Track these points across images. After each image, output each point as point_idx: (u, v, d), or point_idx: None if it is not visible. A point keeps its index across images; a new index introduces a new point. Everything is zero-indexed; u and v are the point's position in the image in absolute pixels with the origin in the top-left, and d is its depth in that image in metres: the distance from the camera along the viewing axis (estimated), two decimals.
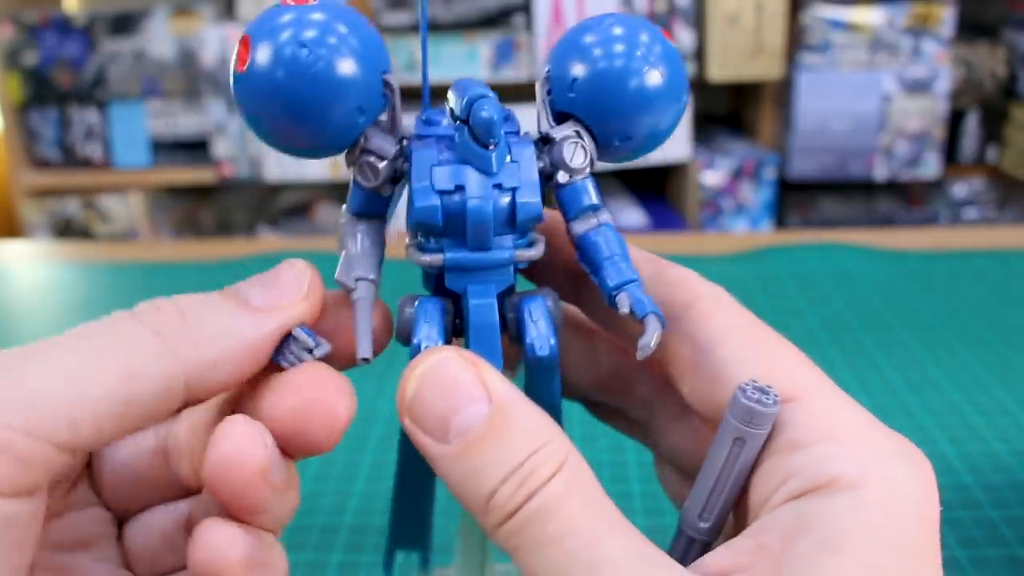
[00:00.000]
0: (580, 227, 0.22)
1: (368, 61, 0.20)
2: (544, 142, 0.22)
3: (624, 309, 0.21)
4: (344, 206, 0.22)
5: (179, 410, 0.20)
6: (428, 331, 0.21)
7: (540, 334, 0.21)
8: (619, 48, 0.21)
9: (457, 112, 0.21)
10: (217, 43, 1.48)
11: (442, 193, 0.20)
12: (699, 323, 0.22)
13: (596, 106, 0.22)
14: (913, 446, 0.20)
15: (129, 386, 0.19)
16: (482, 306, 0.21)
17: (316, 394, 0.20)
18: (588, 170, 0.22)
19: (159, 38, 1.53)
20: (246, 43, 0.20)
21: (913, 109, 1.43)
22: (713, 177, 1.46)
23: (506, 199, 0.21)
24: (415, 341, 0.21)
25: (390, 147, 0.21)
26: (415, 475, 0.24)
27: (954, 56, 1.44)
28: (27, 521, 0.18)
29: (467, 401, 0.19)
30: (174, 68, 1.54)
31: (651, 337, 0.20)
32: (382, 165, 0.21)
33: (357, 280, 0.21)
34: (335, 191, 1.63)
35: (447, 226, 0.21)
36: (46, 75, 1.56)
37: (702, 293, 0.22)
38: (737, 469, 0.20)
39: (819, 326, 0.58)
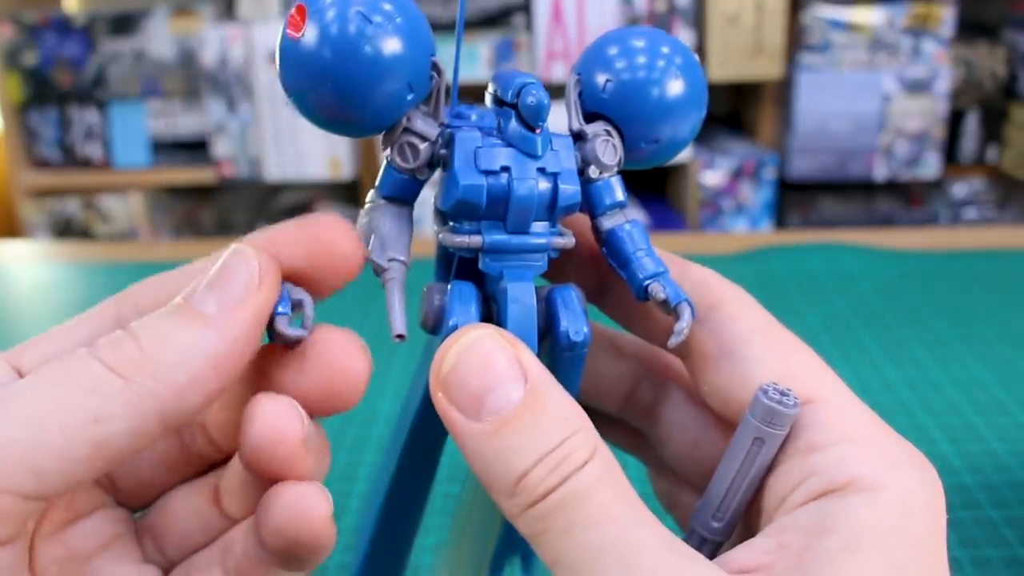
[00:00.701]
0: (608, 223, 0.23)
1: (419, 41, 0.20)
2: (576, 138, 0.22)
3: (660, 296, 0.21)
4: (372, 191, 0.22)
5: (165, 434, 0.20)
6: (464, 312, 0.21)
7: (575, 320, 0.21)
8: (642, 60, 0.22)
9: (505, 97, 0.21)
10: (217, 43, 1.48)
11: (487, 173, 0.20)
12: (724, 323, 0.22)
13: (625, 109, 0.22)
14: (920, 453, 0.20)
15: (96, 429, 0.18)
16: (520, 288, 0.21)
17: (335, 360, 0.20)
18: (617, 168, 0.23)
19: (159, 38, 1.53)
20: (302, 11, 0.20)
21: (913, 109, 1.43)
22: (713, 177, 1.47)
23: (548, 184, 0.21)
24: (451, 322, 0.21)
25: (432, 130, 0.21)
26: (406, 501, 0.24)
27: (954, 56, 1.44)
28: (7, 568, 0.18)
29: (503, 380, 0.19)
30: (174, 68, 1.54)
31: (686, 323, 0.21)
32: (423, 146, 0.21)
33: (390, 260, 0.21)
34: (335, 191, 1.63)
35: (488, 207, 0.21)
36: (46, 75, 1.56)
37: (727, 294, 0.22)
38: (754, 469, 0.20)
39: (819, 326, 0.58)
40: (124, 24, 1.53)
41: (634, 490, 0.19)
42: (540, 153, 0.21)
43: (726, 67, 1.40)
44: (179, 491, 0.23)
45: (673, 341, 0.21)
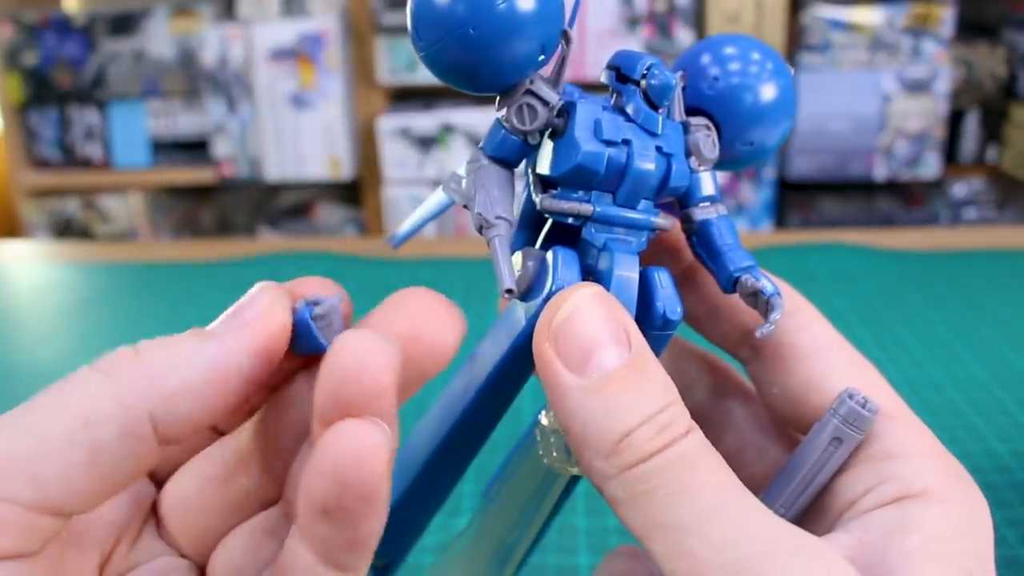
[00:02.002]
0: (701, 214, 0.23)
1: (552, 5, 0.20)
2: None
3: (754, 286, 0.22)
4: (475, 150, 0.22)
5: (162, 452, 0.19)
6: (568, 272, 0.21)
7: (671, 299, 0.21)
8: (743, 65, 0.23)
9: (631, 75, 0.21)
10: (217, 43, 1.48)
11: (607, 144, 0.21)
12: (800, 331, 0.23)
13: (726, 108, 0.23)
14: (970, 475, 0.21)
15: (89, 432, 0.18)
16: (626, 260, 0.21)
17: (427, 330, 0.20)
18: (713, 163, 0.23)
19: (159, 38, 1.53)
20: None
21: (913, 109, 1.43)
22: None
23: (663, 162, 0.21)
24: (554, 285, 0.21)
25: (554, 96, 0.22)
26: (438, 481, 0.24)
27: (954, 56, 1.44)
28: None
29: (612, 341, 0.19)
30: (174, 68, 1.54)
31: (778, 314, 0.21)
32: (543, 110, 0.22)
33: (497, 218, 0.21)
34: (335, 191, 1.63)
35: (604, 177, 0.21)
36: (46, 75, 1.56)
37: (803, 304, 0.23)
38: (828, 467, 0.21)
39: None
40: (124, 24, 1.53)
41: (724, 461, 0.19)
42: (660, 132, 0.21)
43: None
44: (235, 534, 0.23)
45: (763, 330, 0.21)
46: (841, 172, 1.47)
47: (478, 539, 0.26)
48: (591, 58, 1.39)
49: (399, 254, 0.78)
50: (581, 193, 0.21)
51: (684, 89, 0.23)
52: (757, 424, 0.25)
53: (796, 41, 1.42)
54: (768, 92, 0.23)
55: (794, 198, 1.52)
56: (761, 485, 0.24)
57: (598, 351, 0.19)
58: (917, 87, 1.42)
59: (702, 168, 0.23)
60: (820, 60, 1.42)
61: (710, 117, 0.23)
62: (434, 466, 0.24)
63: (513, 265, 0.21)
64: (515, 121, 0.22)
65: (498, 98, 0.22)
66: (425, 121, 1.42)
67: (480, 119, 1.41)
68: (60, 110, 1.58)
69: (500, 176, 0.22)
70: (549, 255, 0.21)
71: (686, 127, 0.23)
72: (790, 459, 0.22)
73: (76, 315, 0.66)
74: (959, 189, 1.53)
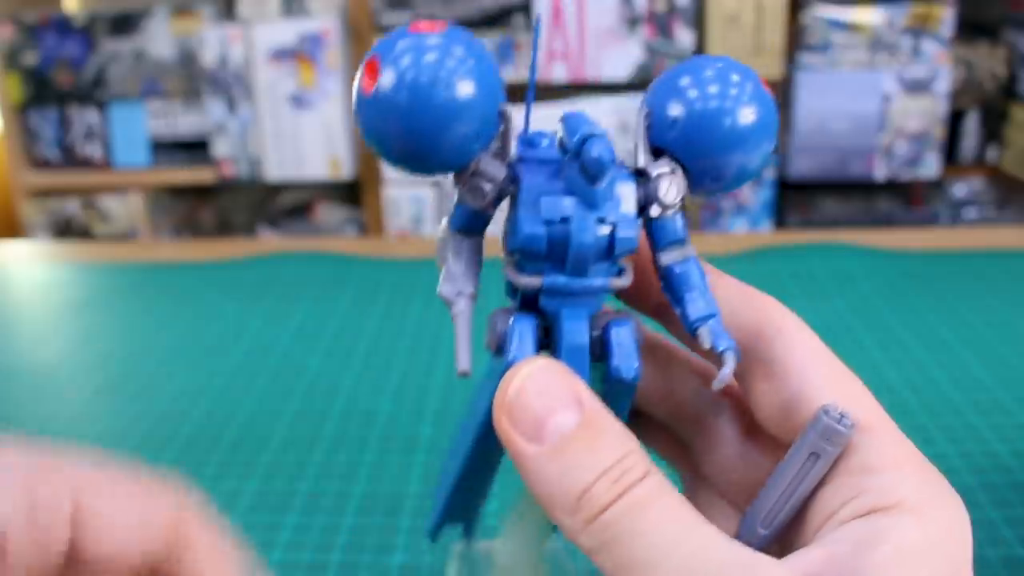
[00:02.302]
0: (666, 258, 0.24)
1: (487, 89, 0.21)
2: (640, 175, 0.23)
3: (705, 344, 0.23)
4: (444, 221, 0.24)
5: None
6: (522, 346, 0.22)
7: (627, 358, 0.23)
8: (715, 89, 0.23)
9: (568, 147, 0.22)
10: (217, 43, 1.48)
11: (548, 223, 0.22)
12: (785, 346, 0.23)
13: (692, 146, 0.23)
14: (949, 485, 0.22)
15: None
16: (575, 328, 0.22)
17: None
18: (679, 206, 0.24)
19: (159, 38, 1.53)
20: (373, 66, 0.21)
21: (913, 109, 1.43)
22: None
23: (607, 231, 0.22)
24: (510, 357, 0.22)
25: (500, 172, 0.22)
26: (487, 461, 0.26)
27: (954, 56, 1.44)
28: None
29: (562, 406, 0.20)
30: (174, 68, 1.54)
31: (729, 370, 0.22)
32: (489, 187, 0.22)
33: (458, 295, 0.23)
34: (335, 191, 1.63)
35: (549, 252, 0.22)
36: (46, 75, 1.56)
37: (788, 319, 0.24)
38: (806, 482, 0.22)
39: (819, 326, 0.58)
40: (124, 24, 1.53)
41: (683, 498, 0.20)
42: (600, 204, 0.22)
43: None
44: None
45: (715, 386, 0.22)
46: (841, 172, 1.47)
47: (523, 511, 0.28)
48: (591, 58, 1.39)
49: (400, 254, 0.78)
50: (534, 266, 0.22)
51: (649, 128, 0.23)
52: (744, 429, 0.25)
53: (796, 41, 1.42)
54: (735, 117, 0.23)
55: (794, 198, 1.52)
56: (749, 491, 0.25)
57: (551, 418, 0.20)
58: (917, 87, 1.42)
59: (666, 214, 0.23)
60: (820, 60, 1.42)
61: (675, 157, 0.23)
62: (475, 455, 0.26)
63: (469, 343, 0.22)
64: (469, 199, 0.23)
65: (452, 177, 0.23)
66: None
67: None
68: (60, 110, 1.58)
69: (465, 247, 0.23)
70: (510, 325, 0.23)
71: (645, 175, 0.23)
72: (771, 475, 0.22)
73: (76, 315, 0.66)
74: (959, 189, 1.53)
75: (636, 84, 1.41)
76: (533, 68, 0.23)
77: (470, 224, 0.23)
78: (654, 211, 0.23)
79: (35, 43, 1.55)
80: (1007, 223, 1.50)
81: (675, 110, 0.23)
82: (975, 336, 0.56)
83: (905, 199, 1.53)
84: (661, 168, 0.23)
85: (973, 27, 1.47)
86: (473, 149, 0.22)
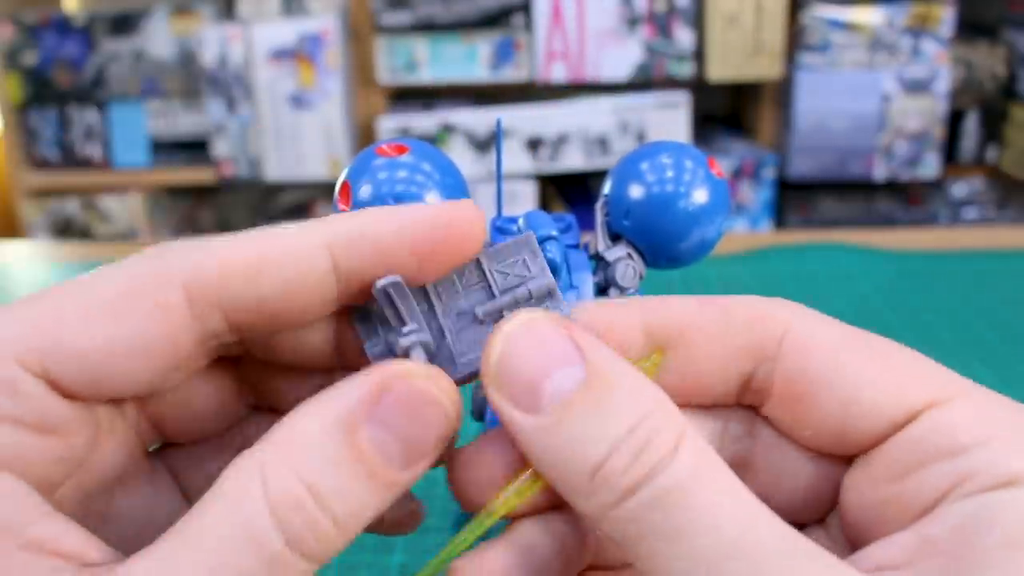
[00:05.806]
0: None
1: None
2: (598, 259, 0.25)
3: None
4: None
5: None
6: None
7: None
8: (669, 175, 0.25)
9: None
10: (217, 43, 1.48)
11: None
12: (802, 353, 0.19)
13: (646, 232, 0.25)
14: None
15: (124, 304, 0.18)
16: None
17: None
18: (635, 287, 0.25)
19: (159, 38, 1.53)
20: (346, 190, 0.23)
21: (913, 109, 1.43)
22: None
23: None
24: (489, 416, 0.24)
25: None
26: None
27: (954, 56, 1.44)
28: (38, 460, 0.17)
29: (560, 361, 0.16)
30: (174, 68, 1.54)
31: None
32: None
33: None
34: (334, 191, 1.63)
35: None
36: (46, 75, 1.56)
37: (789, 321, 0.19)
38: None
39: None
40: (124, 24, 1.53)
41: (735, 476, 0.16)
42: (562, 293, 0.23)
43: (726, 67, 1.40)
44: (207, 446, 0.22)
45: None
46: (841, 172, 1.47)
47: None
48: (591, 58, 1.39)
49: None
50: None
51: (607, 216, 0.26)
52: (799, 456, 0.21)
53: (796, 41, 1.42)
54: (689, 199, 0.25)
55: (794, 198, 1.52)
56: (795, 509, 0.20)
57: (546, 380, 0.16)
58: (917, 87, 1.42)
59: (626, 293, 0.25)
60: (820, 60, 1.42)
61: (631, 242, 0.25)
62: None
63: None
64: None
65: None
66: (425, 121, 1.42)
67: (480, 119, 1.41)
68: (60, 110, 1.58)
69: None
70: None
71: (603, 262, 0.25)
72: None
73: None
74: (959, 189, 1.53)
75: (636, 84, 1.41)
76: (499, 163, 0.25)
77: None
78: (612, 293, 0.25)
79: (35, 43, 1.55)
80: (1007, 223, 1.50)
81: (631, 195, 0.25)
82: (975, 336, 0.56)
83: (905, 199, 1.53)
84: (618, 253, 0.25)
85: (973, 27, 1.47)
86: None
